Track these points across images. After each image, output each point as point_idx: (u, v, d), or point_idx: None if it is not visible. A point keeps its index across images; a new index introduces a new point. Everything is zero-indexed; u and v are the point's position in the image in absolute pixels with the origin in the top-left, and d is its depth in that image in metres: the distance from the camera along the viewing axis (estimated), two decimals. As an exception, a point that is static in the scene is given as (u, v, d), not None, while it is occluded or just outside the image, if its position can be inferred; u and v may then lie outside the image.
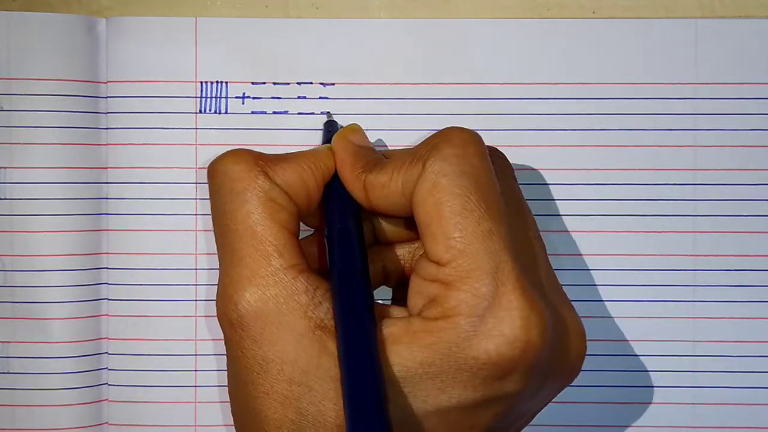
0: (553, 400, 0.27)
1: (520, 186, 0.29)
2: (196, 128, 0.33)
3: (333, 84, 0.33)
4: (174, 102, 0.33)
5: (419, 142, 0.27)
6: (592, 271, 0.33)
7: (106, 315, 0.33)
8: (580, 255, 0.33)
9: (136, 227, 0.33)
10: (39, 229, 0.33)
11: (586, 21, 0.33)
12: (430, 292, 0.25)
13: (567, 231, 0.32)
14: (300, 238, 0.27)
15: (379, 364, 0.23)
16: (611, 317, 0.33)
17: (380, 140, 0.33)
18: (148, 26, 0.33)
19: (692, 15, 0.33)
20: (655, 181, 0.33)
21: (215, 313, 0.26)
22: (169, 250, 0.33)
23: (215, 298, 0.26)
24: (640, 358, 0.33)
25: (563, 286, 0.27)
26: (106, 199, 0.33)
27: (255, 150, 0.27)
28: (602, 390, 0.33)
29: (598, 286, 0.33)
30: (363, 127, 0.33)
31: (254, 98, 0.33)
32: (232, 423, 0.26)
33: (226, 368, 0.26)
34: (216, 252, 0.27)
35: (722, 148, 0.33)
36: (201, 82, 0.33)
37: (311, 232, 0.29)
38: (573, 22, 0.33)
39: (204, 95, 0.33)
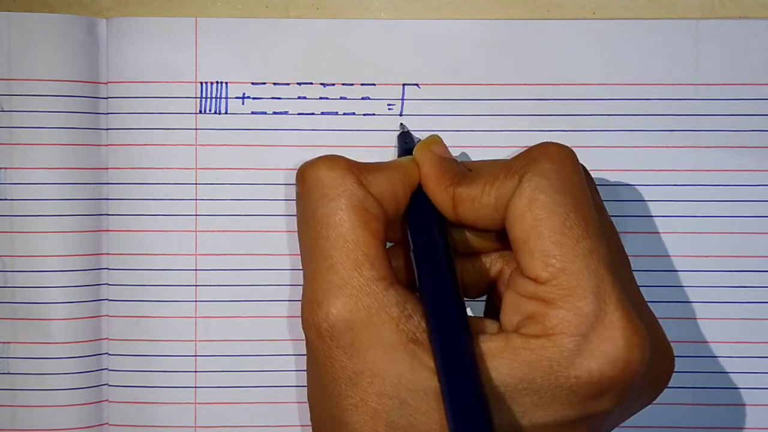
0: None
1: None
2: (196, 129, 0.33)
3: (333, 84, 0.33)
4: (174, 102, 0.33)
5: (513, 156, 0.27)
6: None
7: (107, 315, 0.33)
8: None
9: (137, 228, 0.33)
10: (39, 229, 0.33)
11: (587, 22, 0.33)
12: (528, 309, 0.24)
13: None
14: None
15: (480, 380, 0.23)
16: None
17: (375, 140, 0.33)
18: (148, 27, 0.33)
19: (693, 16, 0.33)
20: (655, 181, 0.33)
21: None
22: (170, 251, 0.33)
23: (301, 302, 0.26)
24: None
25: None
26: (107, 199, 0.33)
27: (346, 157, 0.27)
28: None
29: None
30: (357, 127, 0.33)
31: (254, 98, 0.33)
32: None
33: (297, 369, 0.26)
34: (299, 257, 0.27)
35: (723, 149, 0.33)
36: (201, 83, 0.33)
37: (392, 245, 0.29)
38: (573, 23, 0.33)
39: (204, 96, 0.33)
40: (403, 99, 0.33)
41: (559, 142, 0.26)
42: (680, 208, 0.33)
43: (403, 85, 0.33)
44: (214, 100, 0.33)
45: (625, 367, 0.23)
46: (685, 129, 0.33)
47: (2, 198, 0.33)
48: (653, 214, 0.33)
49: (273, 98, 0.33)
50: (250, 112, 0.33)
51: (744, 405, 0.33)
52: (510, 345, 0.24)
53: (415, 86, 0.33)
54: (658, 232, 0.33)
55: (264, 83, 0.33)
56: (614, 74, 0.33)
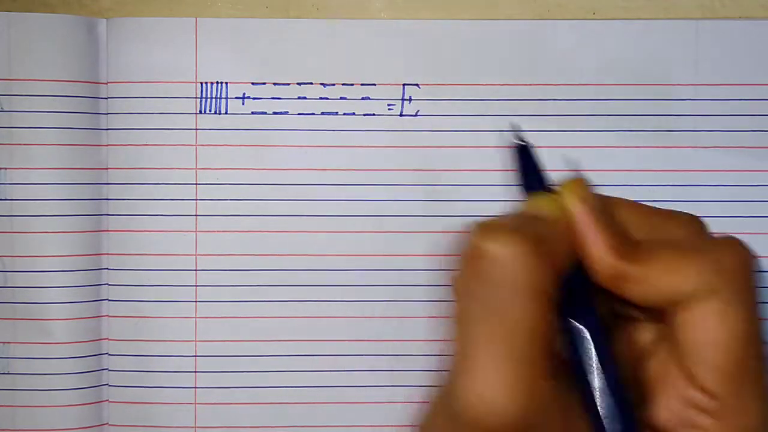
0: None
1: None
2: (196, 129, 0.33)
3: (333, 84, 0.33)
4: (174, 103, 0.33)
5: (693, 234, 0.25)
6: (592, 272, 0.33)
7: (107, 316, 0.33)
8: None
9: (137, 228, 0.33)
10: (39, 229, 0.33)
11: (586, 22, 0.33)
12: (688, 415, 0.23)
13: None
14: None
15: None
16: (611, 318, 0.33)
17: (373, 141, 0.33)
18: (148, 27, 0.33)
19: (692, 16, 0.33)
20: (655, 182, 0.33)
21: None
22: (170, 251, 0.33)
23: (455, 387, 0.22)
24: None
25: None
26: (107, 199, 0.33)
27: (534, 229, 0.23)
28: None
29: (598, 287, 0.33)
30: (357, 127, 0.33)
31: (254, 99, 0.33)
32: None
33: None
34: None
35: (723, 149, 0.33)
36: (201, 83, 0.33)
37: None
38: (573, 23, 0.33)
39: (204, 96, 0.33)
40: (403, 99, 0.33)
41: (742, 244, 0.24)
42: (680, 208, 0.33)
43: (403, 85, 0.33)
44: (214, 100, 0.33)
45: None
46: (685, 129, 0.33)
47: (2, 198, 0.33)
48: (653, 214, 0.33)
49: (273, 98, 0.33)
50: (250, 112, 0.33)
51: (744, 405, 0.33)
52: None
53: (415, 86, 0.33)
54: (658, 232, 0.33)
55: (264, 83, 0.33)
56: (614, 74, 0.33)
